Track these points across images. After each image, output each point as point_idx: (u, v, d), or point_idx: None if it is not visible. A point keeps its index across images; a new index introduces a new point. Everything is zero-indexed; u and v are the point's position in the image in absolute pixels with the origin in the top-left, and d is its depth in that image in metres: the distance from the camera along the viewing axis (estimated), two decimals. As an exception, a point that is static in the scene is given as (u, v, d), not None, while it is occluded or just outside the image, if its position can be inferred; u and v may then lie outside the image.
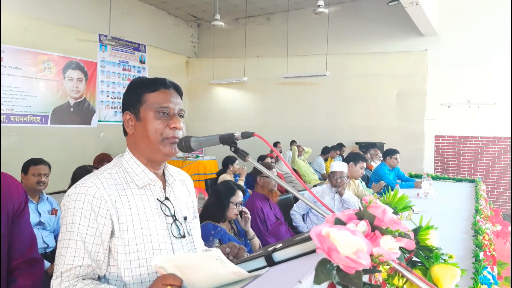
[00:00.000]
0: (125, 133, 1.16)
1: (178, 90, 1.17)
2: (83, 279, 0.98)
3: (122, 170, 1.10)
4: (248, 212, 2.57)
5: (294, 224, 3.44)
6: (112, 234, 1.01)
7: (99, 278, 1.02)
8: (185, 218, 1.17)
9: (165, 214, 1.11)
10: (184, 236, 1.14)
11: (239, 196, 2.45)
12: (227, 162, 5.03)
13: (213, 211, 2.38)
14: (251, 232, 2.59)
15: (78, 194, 1.00)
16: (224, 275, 0.86)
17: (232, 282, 0.89)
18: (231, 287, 0.87)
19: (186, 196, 1.24)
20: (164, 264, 0.89)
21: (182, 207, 1.19)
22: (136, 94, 1.12)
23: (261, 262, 0.99)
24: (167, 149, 1.10)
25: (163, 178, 1.18)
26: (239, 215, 2.51)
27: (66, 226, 1.00)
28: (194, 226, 1.22)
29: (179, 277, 0.87)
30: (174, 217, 1.13)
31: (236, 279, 0.88)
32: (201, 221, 2.21)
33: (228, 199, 2.40)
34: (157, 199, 1.11)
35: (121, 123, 1.18)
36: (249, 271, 0.91)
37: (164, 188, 1.15)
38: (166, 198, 1.14)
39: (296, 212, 3.47)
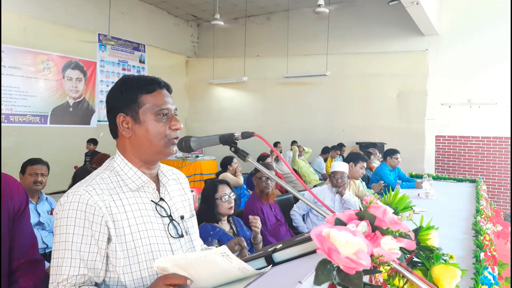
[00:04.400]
0: (115, 135, 1.14)
1: (169, 89, 1.16)
2: (79, 287, 0.97)
3: (114, 174, 1.09)
4: (257, 222, 2.46)
5: (294, 224, 3.43)
6: (109, 240, 1.00)
7: (96, 285, 1.01)
8: (182, 217, 1.16)
9: (161, 215, 1.10)
10: (182, 236, 1.13)
11: (223, 189, 2.37)
12: (226, 163, 5.03)
13: (204, 213, 2.35)
14: (259, 238, 2.52)
15: (71, 203, 0.99)
16: (229, 272, 0.85)
17: (236, 280, 0.88)
18: (234, 285, 0.86)
19: (182, 195, 1.23)
20: (166, 265, 0.88)
21: (178, 206, 1.18)
22: (131, 95, 1.09)
23: (261, 262, 0.99)
24: (169, 150, 1.10)
25: (156, 178, 1.17)
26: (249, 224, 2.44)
27: (60, 236, 0.98)
28: (192, 224, 1.21)
29: (182, 275, 0.85)
30: (170, 217, 1.12)
31: (240, 276, 0.87)
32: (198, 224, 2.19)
33: (213, 197, 2.35)
34: (152, 200, 1.11)
35: None
36: None
37: (158, 189, 1.14)
38: (161, 199, 1.13)
39: (296, 212, 3.46)
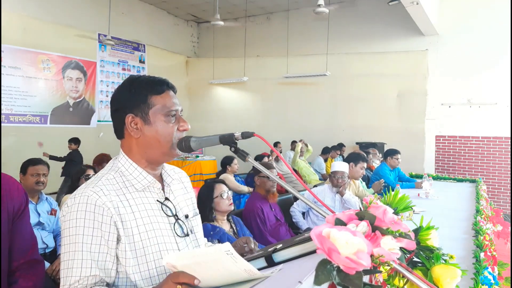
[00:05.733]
0: (121, 135, 1.14)
1: (175, 90, 1.17)
2: (91, 287, 0.97)
3: (119, 174, 1.09)
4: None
5: (294, 220, 3.43)
6: (118, 240, 1.01)
7: (107, 285, 1.01)
8: (186, 216, 1.17)
9: (166, 215, 1.11)
10: (187, 235, 1.14)
11: (219, 188, 2.37)
12: (226, 163, 5.03)
13: (200, 214, 2.33)
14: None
15: (79, 204, 0.98)
16: (235, 273, 0.84)
17: (243, 281, 0.87)
18: (241, 286, 0.86)
19: (184, 194, 1.24)
20: (175, 262, 0.87)
21: (182, 205, 1.19)
22: (141, 95, 1.09)
23: (261, 262, 0.99)
24: (175, 152, 1.11)
25: (160, 178, 1.17)
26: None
27: (69, 238, 0.97)
28: (196, 223, 1.22)
29: (191, 274, 0.85)
30: (176, 217, 1.13)
31: (247, 278, 0.86)
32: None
33: (210, 196, 2.34)
34: (157, 200, 1.11)
35: None
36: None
37: (163, 189, 1.15)
38: (166, 199, 1.14)
39: (296, 209, 3.46)
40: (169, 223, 1.10)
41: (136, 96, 1.10)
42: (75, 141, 6.49)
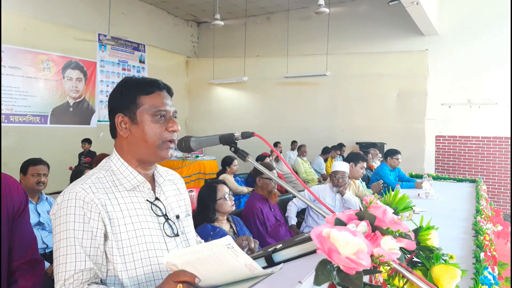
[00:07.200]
0: (114, 135, 1.15)
1: (170, 92, 1.16)
2: (88, 285, 0.97)
3: (109, 173, 1.10)
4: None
5: (286, 214, 3.41)
6: (106, 237, 1.01)
7: (101, 282, 1.01)
8: (177, 217, 1.17)
9: (156, 215, 1.11)
10: (177, 235, 1.14)
11: (223, 189, 2.37)
12: (226, 163, 5.03)
13: (200, 216, 2.33)
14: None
15: (68, 200, 1.00)
16: (236, 268, 0.84)
17: (244, 280, 0.87)
18: (241, 284, 0.86)
19: (177, 195, 1.24)
20: (175, 261, 0.87)
21: (174, 206, 1.18)
22: (130, 96, 1.10)
23: (261, 262, 0.99)
24: (164, 153, 1.10)
25: (152, 179, 1.18)
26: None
27: (60, 234, 0.98)
28: (187, 224, 1.22)
29: (191, 272, 0.85)
30: (166, 217, 1.13)
31: (249, 275, 0.86)
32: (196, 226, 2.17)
33: (213, 198, 2.34)
34: (147, 200, 1.11)
35: None
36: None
37: (153, 189, 1.15)
38: (156, 199, 1.14)
39: (294, 204, 3.45)
40: (158, 223, 1.10)
41: (126, 97, 1.11)
42: (88, 141, 6.73)
